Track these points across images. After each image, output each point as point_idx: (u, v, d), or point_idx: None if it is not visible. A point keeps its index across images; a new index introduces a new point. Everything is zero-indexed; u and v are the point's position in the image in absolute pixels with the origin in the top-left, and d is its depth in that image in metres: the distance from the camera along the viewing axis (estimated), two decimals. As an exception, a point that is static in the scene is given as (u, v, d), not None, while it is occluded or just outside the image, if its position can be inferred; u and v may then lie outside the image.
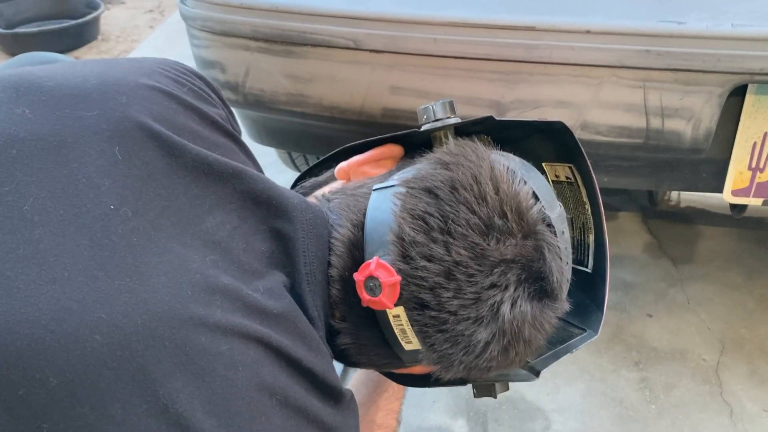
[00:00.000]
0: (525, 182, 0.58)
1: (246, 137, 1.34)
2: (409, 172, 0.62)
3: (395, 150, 0.69)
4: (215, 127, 0.59)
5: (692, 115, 0.93)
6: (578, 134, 0.97)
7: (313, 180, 0.75)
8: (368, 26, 0.95)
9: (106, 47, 2.95)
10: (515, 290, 0.55)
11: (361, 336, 0.61)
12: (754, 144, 0.96)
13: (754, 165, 0.97)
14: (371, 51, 0.96)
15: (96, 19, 2.97)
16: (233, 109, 1.20)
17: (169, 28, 3.11)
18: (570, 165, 0.70)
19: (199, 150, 0.54)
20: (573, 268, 0.71)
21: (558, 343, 0.68)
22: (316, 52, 0.99)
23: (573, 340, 0.68)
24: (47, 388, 0.41)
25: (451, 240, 0.54)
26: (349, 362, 0.66)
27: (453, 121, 0.66)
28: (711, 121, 0.93)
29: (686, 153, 0.97)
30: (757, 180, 0.98)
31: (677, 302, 1.53)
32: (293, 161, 1.65)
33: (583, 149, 0.67)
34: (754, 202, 1.00)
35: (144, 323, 0.44)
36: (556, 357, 0.65)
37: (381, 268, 0.55)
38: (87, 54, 2.86)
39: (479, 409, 1.30)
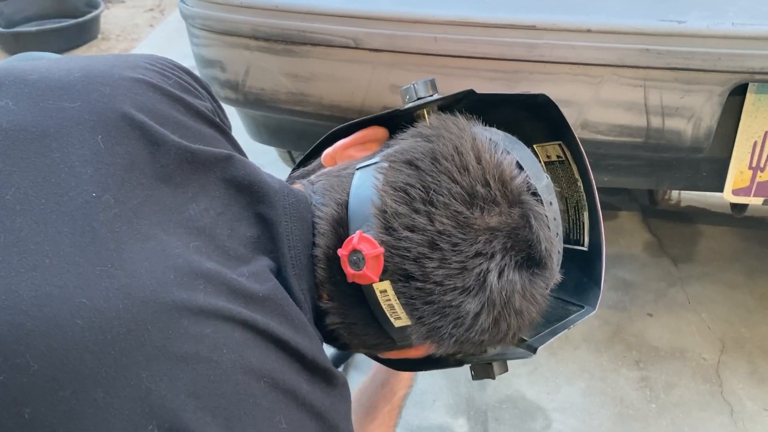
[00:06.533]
0: (508, 152, 0.58)
1: (246, 136, 1.34)
2: (391, 148, 0.62)
3: (380, 132, 0.69)
4: (200, 117, 0.60)
5: (693, 114, 0.93)
6: (578, 133, 0.97)
7: (301, 170, 0.75)
8: (368, 25, 0.95)
9: (106, 46, 2.95)
10: (502, 259, 0.54)
11: (350, 315, 0.60)
12: (755, 143, 0.96)
13: (754, 164, 0.97)
14: (371, 50, 0.96)
15: (96, 18, 2.97)
16: (234, 108, 1.21)
17: (169, 27, 3.11)
18: (559, 143, 0.70)
19: (182, 139, 0.55)
20: (570, 249, 0.70)
21: (556, 322, 0.67)
22: (317, 51, 0.99)
23: (571, 316, 0.68)
24: (28, 373, 0.41)
25: (433, 210, 0.54)
26: (340, 345, 0.65)
27: (435, 98, 0.66)
28: (711, 120, 0.93)
29: (687, 152, 0.97)
30: (757, 179, 0.98)
31: (677, 301, 1.53)
32: (293, 160, 1.65)
33: (569, 123, 0.66)
34: (754, 201, 1.00)
35: (126, 308, 0.44)
36: (554, 334, 0.65)
37: (364, 241, 0.55)
38: (87, 53, 2.86)
39: (479, 408, 1.30)
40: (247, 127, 1.31)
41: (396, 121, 0.66)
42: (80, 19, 2.85)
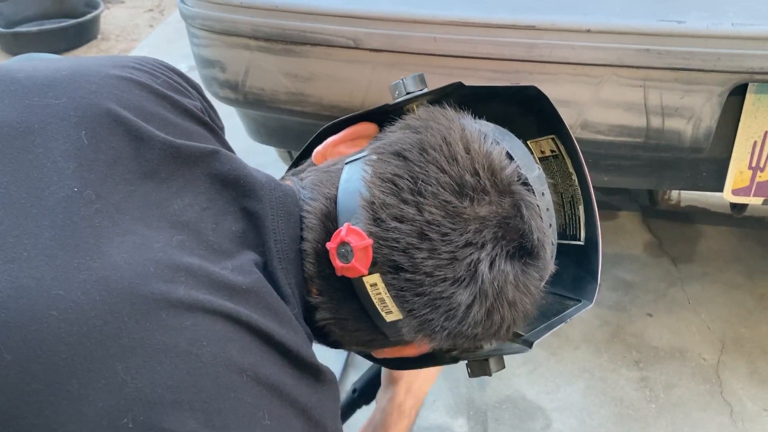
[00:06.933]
0: (498, 143, 0.57)
1: (246, 136, 1.34)
2: (379, 141, 0.61)
3: (370, 128, 0.68)
4: (188, 115, 0.60)
5: (692, 114, 0.93)
6: (578, 133, 0.97)
7: (293, 170, 0.74)
8: (368, 25, 0.95)
9: (105, 46, 2.95)
10: (493, 248, 0.54)
11: (341, 310, 0.60)
12: (755, 143, 0.96)
13: (754, 164, 0.97)
14: (371, 50, 0.96)
15: (96, 19, 2.97)
16: (234, 108, 1.21)
17: (168, 27, 3.11)
18: (552, 137, 0.70)
19: (167, 135, 0.55)
20: (567, 244, 0.70)
21: (553, 317, 0.66)
22: (316, 51, 0.99)
23: (567, 311, 0.67)
24: (2, 364, 0.41)
25: (422, 200, 0.54)
26: (332, 342, 0.64)
27: (424, 91, 0.65)
28: (711, 120, 0.93)
29: (686, 152, 0.97)
30: (757, 179, 0.98)
31: (677, 301, 1.53)
32: (293, 160, 1.65)
33: (561, 116, 0.65)
34: (754, 201, 1.00)
35: (103, 299, 0.44)
36: (550, 328, 0.64)
37: (352, 233, 0.54)
38: (87, 53, 2.86)
39: (479, 408, 1.30)
40: (247, 127, 1.31)
41: (386, 117, 0.66)
42: (80, 20, 2.86)
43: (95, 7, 2.97)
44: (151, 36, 3.05)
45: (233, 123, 1.32)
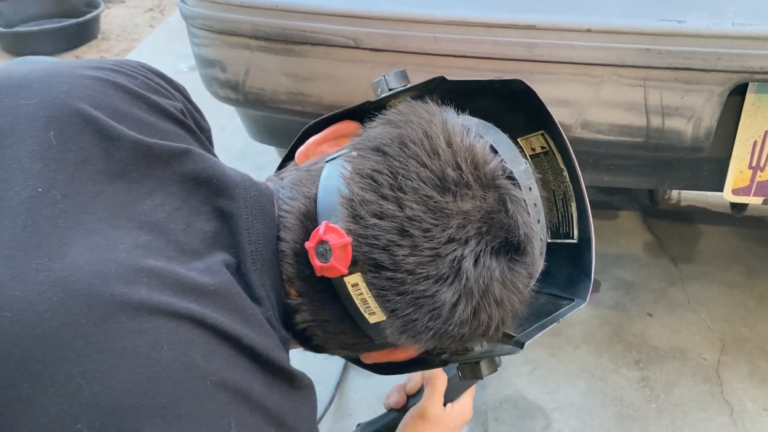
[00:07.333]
0: (481, 137, 0.56)
1: (246, 136, 1.34)
2: (360, 137, 0.60)
3: (352, 126, 0.66)
4: (165, 115, 0.59)
5: (693, 113, 0.93)
6: (578, 133, 0.97)
7: (277, 172, 0.74)
8: (368, 25, 0.95)
9: (106, 46, 2.95)
10: (477, 244, 0.52)
11: (322, 311, 0.58)
12: (755, 143, 0.96)
13: (754, 164, 0.97)
14: (371, 50, 0.96)
15: (96, 18, 2.97)
16: (235, 108, 1.21)
17: (169, 27, 3.11)
18: (541, 132, 0.68)
19: (138, 134, 0.54)
20: (561, 243, 0.68)
21: (546, 316, 0.64)
22: (317, 51, 0.99)
23: (560, 310, 0.65)
24: None
25: (402, 195, 0.52)
26: (315, 346, 0.63)
27: (406, 87, 0.63)
28: (711, 120, 0.93)
29: (687, 152, 0.97)
30: (757, 179, 0.98)
31: (678, 301, 1.53)
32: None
33: (549, 110, 0.64)
34: (754, 200, 1.00)
35: (60, 301, 0.43)
36: (542, 328, 0.62)
37: (330, 232, 0.53)
38: (87, 53, 2.86)
39: (479, 408, 1.30)
40: (247, 127, 1.31)
41: (369, 115, 0.65)
42: (80, 19, 2.85)
43: (95, 6, 2.97)
44: (151, 36, 3.05)
45: (233, 123, 1.32)
